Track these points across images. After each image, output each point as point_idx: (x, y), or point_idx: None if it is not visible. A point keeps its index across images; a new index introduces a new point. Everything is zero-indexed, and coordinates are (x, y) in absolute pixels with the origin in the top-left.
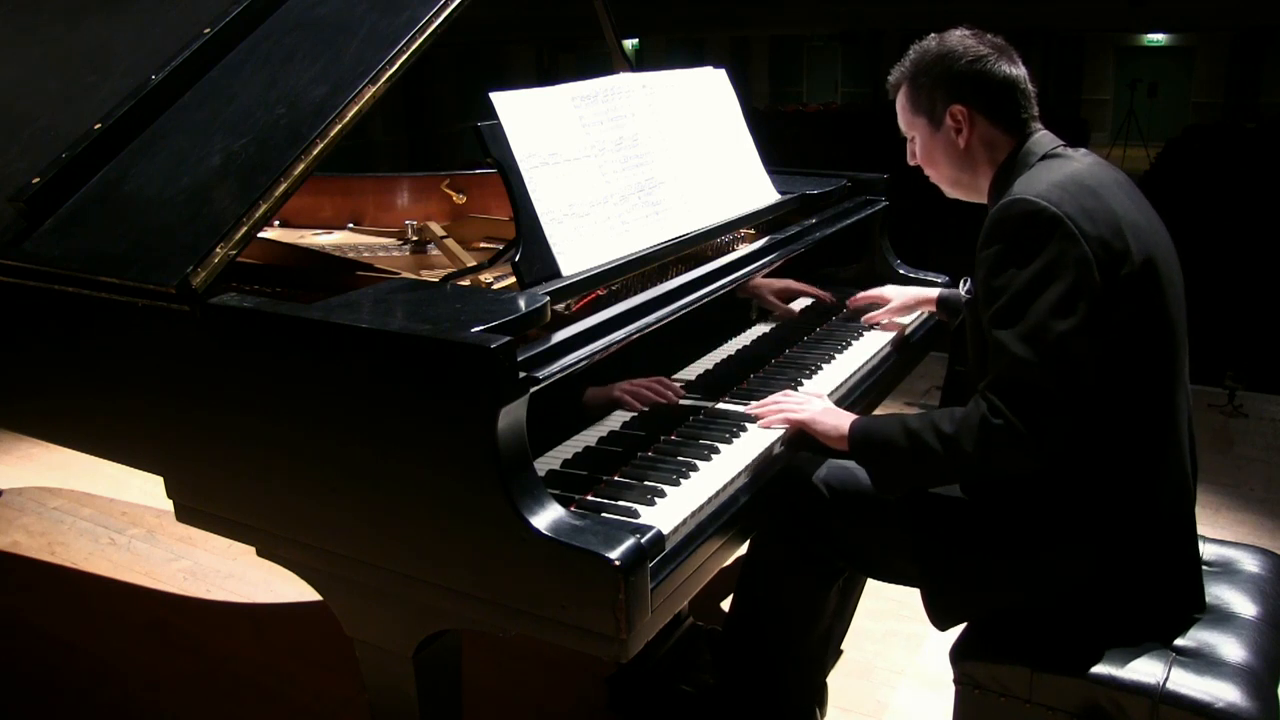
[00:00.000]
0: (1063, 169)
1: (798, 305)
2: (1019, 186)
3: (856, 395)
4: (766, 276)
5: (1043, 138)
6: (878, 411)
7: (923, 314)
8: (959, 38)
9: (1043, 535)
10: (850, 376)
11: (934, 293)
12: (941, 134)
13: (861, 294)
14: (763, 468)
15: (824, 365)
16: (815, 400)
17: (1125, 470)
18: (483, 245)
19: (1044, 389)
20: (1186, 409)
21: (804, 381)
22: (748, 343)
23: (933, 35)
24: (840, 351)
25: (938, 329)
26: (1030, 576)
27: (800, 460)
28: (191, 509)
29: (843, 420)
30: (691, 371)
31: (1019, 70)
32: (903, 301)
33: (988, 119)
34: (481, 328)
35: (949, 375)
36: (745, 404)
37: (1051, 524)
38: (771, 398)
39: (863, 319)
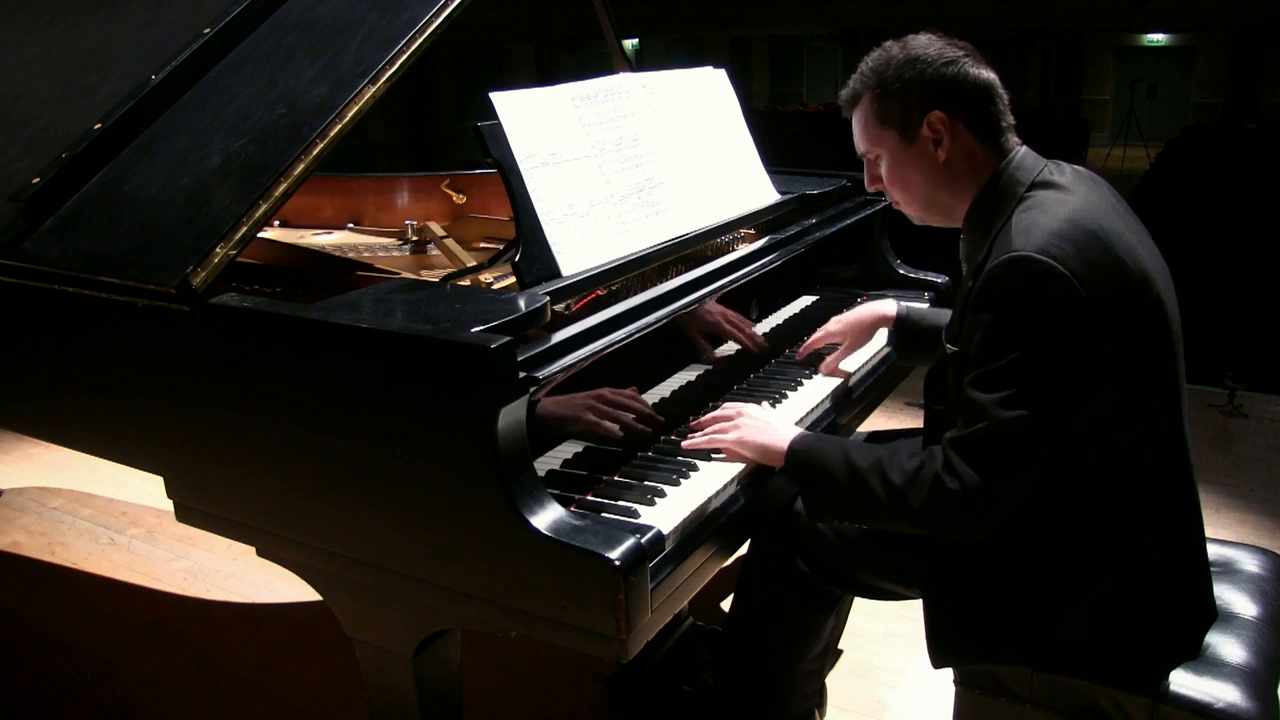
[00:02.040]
0: (1060, 208)
1: (726, 349)
2: (1018, 238)
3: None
4: (717, 304)
5: (1026, 158)
6: (879, 415)
7: (874, 356)
8: (926, 40)
9: (1048, 588)
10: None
11: (890, 309)
12: (916, 147)
13: (809, 342)
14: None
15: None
16: (747, 419)
17: (1138, 517)
18: (483, 245)
19: (1013, 459)
20: (1189, 436)
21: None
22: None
23: (890, 41)
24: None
25: (887, 378)
26: (1033, 630)
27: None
28: (191, 509)
29: (780, 438)
30: (692, 373)
31: (992, 74)
32: (851, 330)
33: (968, 128)
34: (481, 328)
35: (927, 416)
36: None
37: (1058, 578)
38: (707, 419)
39: (821, 365)
